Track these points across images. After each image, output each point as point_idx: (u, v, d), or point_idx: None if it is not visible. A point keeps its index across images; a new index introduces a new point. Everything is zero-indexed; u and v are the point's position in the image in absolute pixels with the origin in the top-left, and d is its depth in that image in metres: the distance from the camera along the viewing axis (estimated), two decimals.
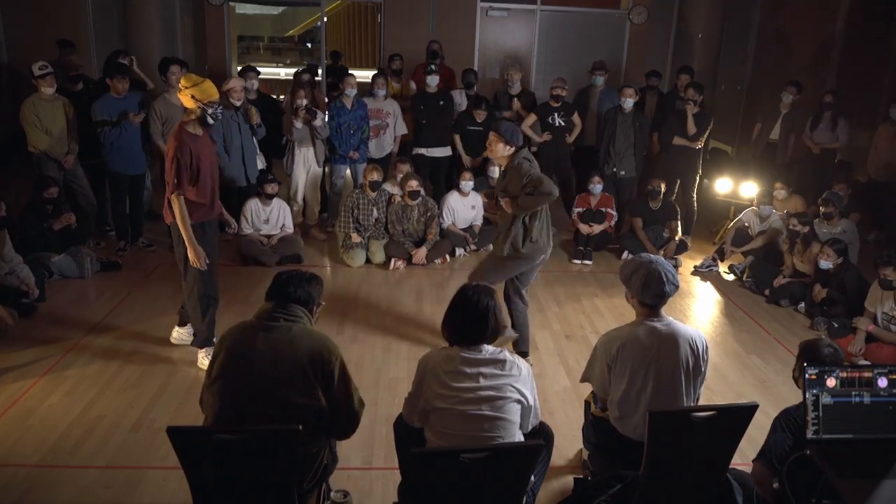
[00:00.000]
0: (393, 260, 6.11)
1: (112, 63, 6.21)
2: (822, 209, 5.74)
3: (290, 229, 6.27)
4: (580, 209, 6.74)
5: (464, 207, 6.61)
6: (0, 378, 4.04)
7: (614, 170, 6.79)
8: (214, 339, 4.29)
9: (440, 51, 8.24)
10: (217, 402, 2.47)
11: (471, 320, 2.52)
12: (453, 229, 6.52)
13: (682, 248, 6.54)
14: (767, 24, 10.30)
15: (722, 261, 6.39)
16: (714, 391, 4.25)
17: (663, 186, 6.57)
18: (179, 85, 3.94)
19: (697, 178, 7.00)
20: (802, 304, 5.49)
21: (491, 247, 6.67)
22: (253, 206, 6.08)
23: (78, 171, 5.96)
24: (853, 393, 2.46)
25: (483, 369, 2.47)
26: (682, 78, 7.57)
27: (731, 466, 2.65)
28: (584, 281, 6.08)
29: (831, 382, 2.45)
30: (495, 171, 6.77)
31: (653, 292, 2.74)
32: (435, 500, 2.28)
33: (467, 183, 6.54)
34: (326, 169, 6.97)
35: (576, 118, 7.14)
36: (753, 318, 5.42)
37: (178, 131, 3.89)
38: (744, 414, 2.50)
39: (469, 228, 6.64)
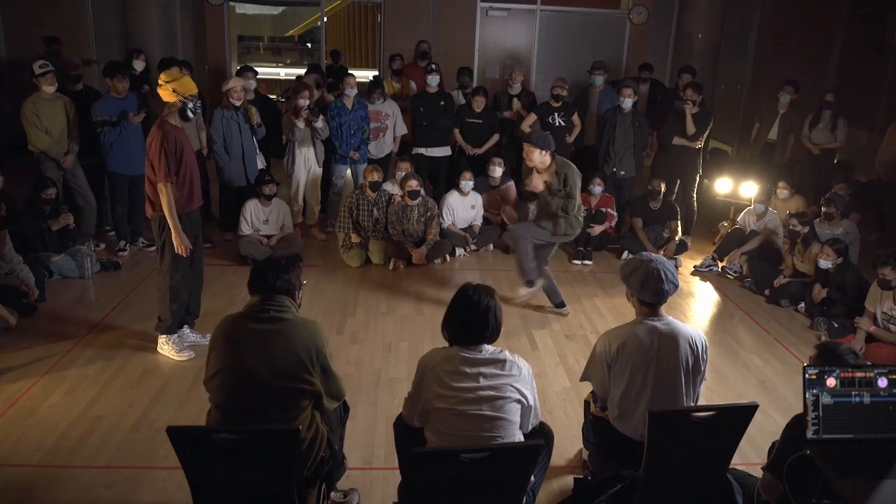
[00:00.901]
0: (393, 260, 6.11)
1: (115, 63, 6.20)
2: (823, 209, 5.74)
3: (289, 229, 6.27)
4: None
5: (463, 207, 6.62)
6: (0, 378, 4.05)
7: (614, 170, 6.79)
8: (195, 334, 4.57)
9: (430, 50, 8.23)
10: (218, 395, 2.51)
11: (471, 320, 2.52)
12: (453, 229, 6.52)
13: (682, 248, 6.54)
14: (767, 24, 10.29)
15: (721, 260, 6.40)
16: (714, 391, 4.25)
17: (663, 186, 6.57)
18: (159, 80, 4.09)
19: (697, 178, 7.00)
20: (802, 304, 5.49)
21: (491, 247, 6.73)
22: (252, 206, 6.07)
23: (77, 171, 5.96)
24: (853, 393, 2.46)
25: (483, 369, 2.47)
26: (684, 77, 7.57)
27: (731, 466, 2.65)
28: (584, 281, 6.08)
29: (831, 382, 2.45)
30: (496, 171, 6.78)
31: (650, 290, 2.75)
32: (435, 500, 2.28)
33: (467, 182, 6.54)
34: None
35: (575, 118, 7.15)
36: (753, 318, 5.42)
37: (160, 124, 4.05)
38: (744, 414, 2.50)
39: (469, 228, 6.65)
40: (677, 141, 6.77)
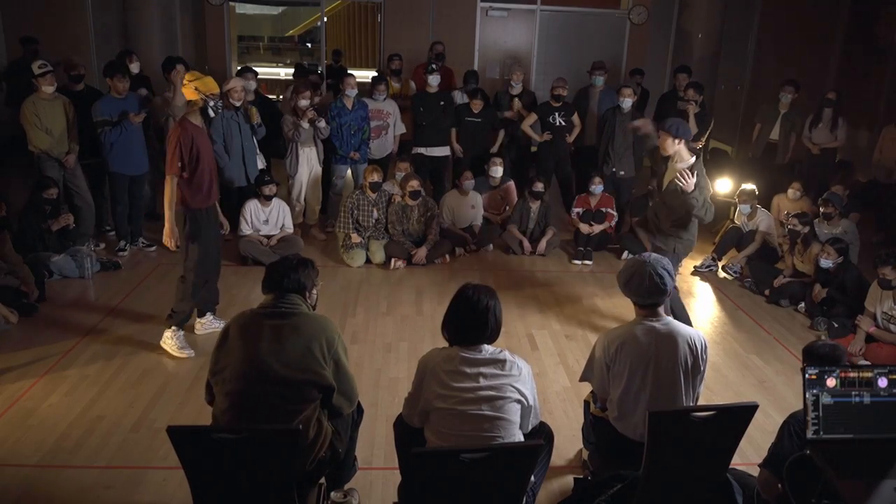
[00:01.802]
0: (393, 260, 6.11)
1: (115, 63, 6.19)
2: (821, 210, 5.74)
3: (289, 229, 6.26)
4: (580, 209, 6.74)
5: (463, 207, 6.62)
6: (0, 378, 4.05)
7: (613, 170, 6.79)
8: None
9: (444, 52, 8.24)
10: (228, 385, 2.51)
11: (471, 320, 2.52)
12: (453, 229, 6.52)
13: None
14: (767, 24, 10.30)
15: (720, 261, 6.40)
16: (714, 391, 4.24)
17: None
18: (184, 79, 4.25)
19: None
20: (802, 304, 5.49)
21: (491, 247, 6.73)
22: (252, 206, 6.07)
23: (77, 172, 5.95)
24: (853, 393, 2.46)
25: (483, 369, 2.47)
26: (680, 77, 7.57)
27: (731, 466, 2.65)
28: (584, 281, 6.08)
29: (831, 382, 2.45)
30: (497, 171, 6.79)
31: (634, 291, 2.80)
32: (435, 500, 2.28)
33: (468, 182, 6.54)
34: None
35: (575, 118, 7.15)
36: (753, 318, 5.42)
37: (182, 121, 4.21)
38: (744, 414, 2.50)
39: (469, 228, 6.65)
40: None
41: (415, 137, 7.13)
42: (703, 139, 6.85)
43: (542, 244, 6.51)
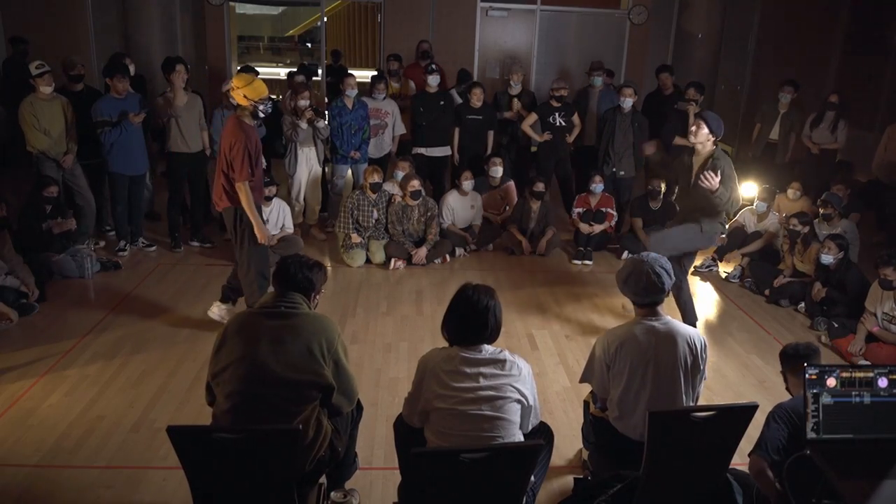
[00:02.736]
0: (393, 260, 6.11)
1: (114, 63, 6.20)
2: (821, 210, 5.74)
3: (289, 229, 6.26)
4: (580, 209, 6.74)
5: (463, 207, 6.62)
6: (0, 378, 4.04)
7: (613, 170, 6.79)
8: None
9: (430, 50, 8.23)
10: (229, 386, 2.51)
11: (471, 320, 2.52)
12: (453, 229, 6.52)
13: None
14: (767, 24, 10.30)
15: (721, 261, 6.40)
16: (714, 391, 4.24)
17: (663, 186, 6.57)
18: (232, 84, 4.43)
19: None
20: (802, 304, 5.49)
21: (491, 247, 6.73)
22: None
23: (76, 171, 5.95)
24: (853, 393, 2.46)
25: (483, 369, 2.47)
26: (662, 77, 7.55)
27: (731, 466, 2.65)
28: (584, 281, 6.08)
29: (831, 382, 2.45)
30: (497, 171, 6.78)
31: (632, 290, 2.80)
32: (435, 500, 2.28)
33: (468, 182, 6.54)
34: (327, 169, 6.97)
35: (575, 118, 7.15)
36: (753, 318, 5.42)
37: (238, 124, 4.34)
38: (744, 414, 2.50)
39: (469, 228, 6.64)
40: (678, 141, 6.77)
41: (414, 137, 7.12)
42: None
43: (542, 244, 6.51)
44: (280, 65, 17.73)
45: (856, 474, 2.34)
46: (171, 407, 3.84)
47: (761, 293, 5.82)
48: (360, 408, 2.99)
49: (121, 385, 4.05)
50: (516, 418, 2.51)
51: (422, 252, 6.11)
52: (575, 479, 3.28)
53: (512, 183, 6.98)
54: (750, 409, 2.49)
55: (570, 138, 7.17)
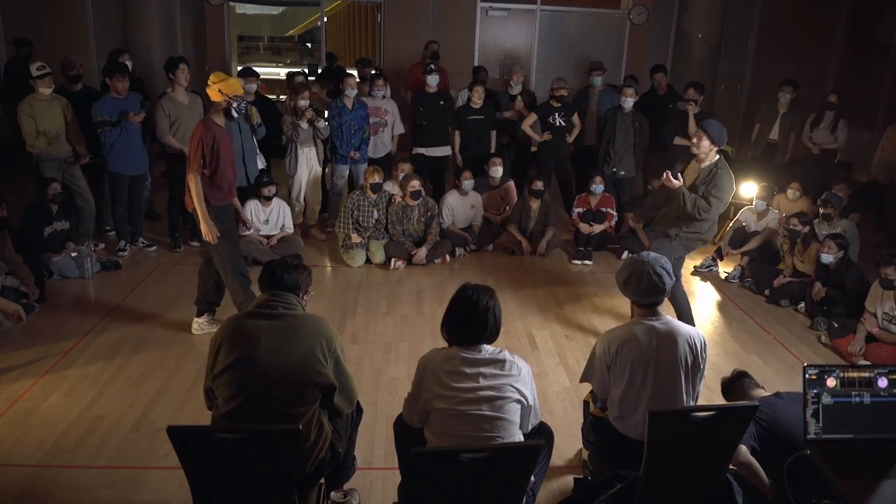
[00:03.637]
0: (393, 260, 6.11)
1: (114, 63, 6.20)
2: (821, 210, 5.74)
3: (289, 229, 6.26)
4: (580, 209, 6.74)
5: (463, 207, 6.62)
6: (0, 378, 4.04)
7: (614, 170, 6.79)
8: None
9: (439, 51, 8.24)
10: (228, 389, 2.51)
11: (470, 320, 2.52)
12: (453, 229, 6.52)
13: None
14: (767, 24, 10.30)
15: (721, 260, 6.40)
16: (714, 391, 4.22)
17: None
18: (209, 80, 4.37)
19: None
20: (802, 304, 5.49)
21: (491, 247, 6.73)
22: (252, 206, 6.07)
23: (76, 172, 5.95)
24: (853, 393, 2.46)
25: (483, 369, 2.47)
26: (657, 77, 7.55)
27: (731, 466, 2.66)
28: (584, 281, 6.08)
29: (831, 382, 2.45)
30: (497, 171, 6.78)
31: (633, 291, 2.81)
32: (435, 500, 2.28)
33: (468, 182, 6.54)
34: (327, 169, 6.97)
35: (575, 118, 7.15)
36: (753, 318, 5.42)
37: (205, 120, 4.36)
38: (744, 414, 2.50)
39: (469, 228, 6.64)
40: (678, 141, 6.77)
41: (414, 137, 7.12)
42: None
43: (542, 244, 6.51)
44: (280, 65, 17.71)
45: (856, 474, 2.34)
46: (171, 407, 3.84)
47: (761, 293, 5.82)
48: (359, 410, 2.99)
49: (121, 385, 4.05)
50: (516, 418, 2.51)
51: (422, 252, 6.11)
52: (575, 479, 3.28)
53: (512, 183, 6.98)
54: (750, 409, 2.49)
55: (570, 138, 7.17)
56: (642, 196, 6.75)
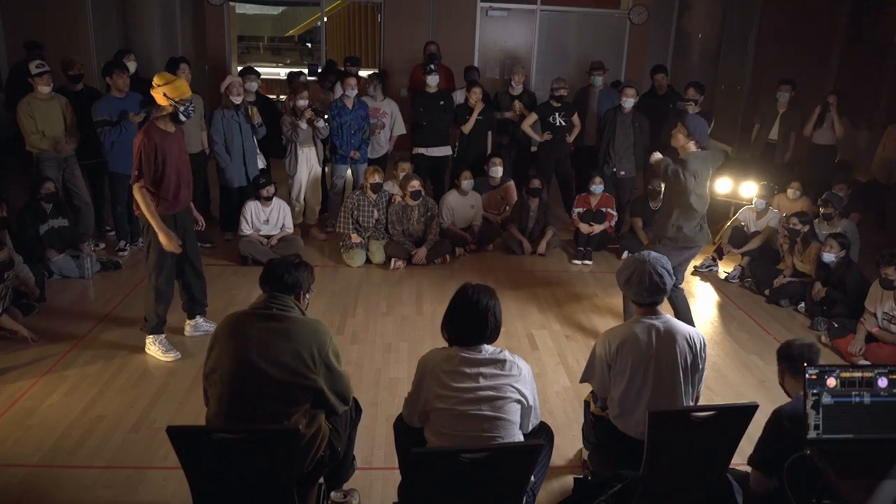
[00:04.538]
0: (393, 260, 6.11)
1: (113, 61, 6.19)
2: (821, 210, 5.74)
3: (289, 229, 6.27)
4: (580, 209, 6.74)
5: (463, 207, 6.62)
6: (0, 378, 4.04)
7: (614, 170, 6.79)
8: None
9: (438, 52, 8.24)
10: (219, 388, 2.52)
11: (471, 320, 2.52)
12: (453, 229, 6.52)
13: None
14: (767, 24, 10.30)
15: (721, 260, 6.40)
16: (714, 391, 4.25)
17: (664, 186, 6.55)
18: (154, 82, 4.04)
19: None
20: (802, 304, 5.49)
21: (491, 247, 6.73)
22: (252, 206, 6.07)
23: (75, 172, 5.95)
24: (853, 393, 2.46)
25: (483, 369, 2.47)
26: (657, 77, 7.55)
27: (731, 466, 2.65)
28: (584, 281, 6.08)
29: (831, 382, 2.45)
30: (497, 171, 6.78)
31: (634, 290, 2.81)
32: (435, 500, 2.28)
33: (467, 182, 6.54)
34: (327, 169, 6.97)
35: (575, 118, 7.15)
36: (753, 318, 5.42)
37: (147, 127, 4.05)
38: (744, 414, 2.50)
39: (469, 228, 6.64)
40: None
41: (414, 137, 7.12)
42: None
43: (542, 244, 6.51)
44: (280, 65, 17.72)
45: (856, 474, 2.34)
46: (171, 407, 3.84)
47: (761, 293, 5.82)
48: (358, 410, 2.98)
49: (121, 385, 4.05)
50: (516, 418, 2.51)
51: (422, 252, 6.11)
52: (575, 479, 3.28)
53: (512, 183, 6.98)
54: (750, 409, 2.49)
55: (570, 138, 7.17)
56: (643, 196, 6.74)
